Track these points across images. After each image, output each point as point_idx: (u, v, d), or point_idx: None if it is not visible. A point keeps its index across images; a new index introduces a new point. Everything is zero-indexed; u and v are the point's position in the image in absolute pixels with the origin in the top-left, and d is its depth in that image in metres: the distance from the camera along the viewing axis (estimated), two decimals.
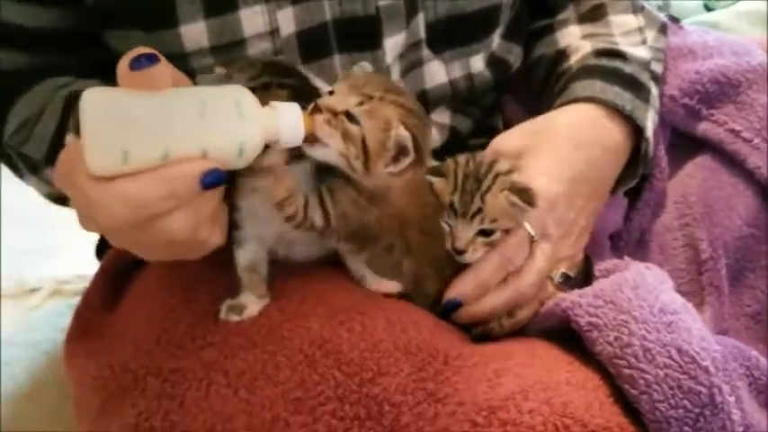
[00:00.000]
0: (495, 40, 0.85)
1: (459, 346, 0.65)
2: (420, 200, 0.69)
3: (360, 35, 0.75)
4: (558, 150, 0.75)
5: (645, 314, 0.63)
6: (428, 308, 0.71)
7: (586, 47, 0.84)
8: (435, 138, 0.86)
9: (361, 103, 0.63)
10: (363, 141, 0.63)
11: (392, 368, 0.62)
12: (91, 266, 0.96)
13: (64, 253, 1.43)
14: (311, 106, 0.63)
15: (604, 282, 0.68)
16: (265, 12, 0.72)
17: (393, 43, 0.77)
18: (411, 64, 0.81)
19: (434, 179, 0.69)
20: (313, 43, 0.74)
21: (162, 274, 0.76)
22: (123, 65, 0.55)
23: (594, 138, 0.77)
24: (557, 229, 0.73)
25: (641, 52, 0.84)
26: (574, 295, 0.68)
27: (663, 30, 0.90)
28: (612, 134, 0.78)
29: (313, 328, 0.64)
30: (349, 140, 0.63)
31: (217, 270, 0.71)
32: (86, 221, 0.58)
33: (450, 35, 0.81)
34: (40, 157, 0.74)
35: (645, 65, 0.84)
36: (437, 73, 0.82)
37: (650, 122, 0.80)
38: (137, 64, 0.54)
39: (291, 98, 0.62)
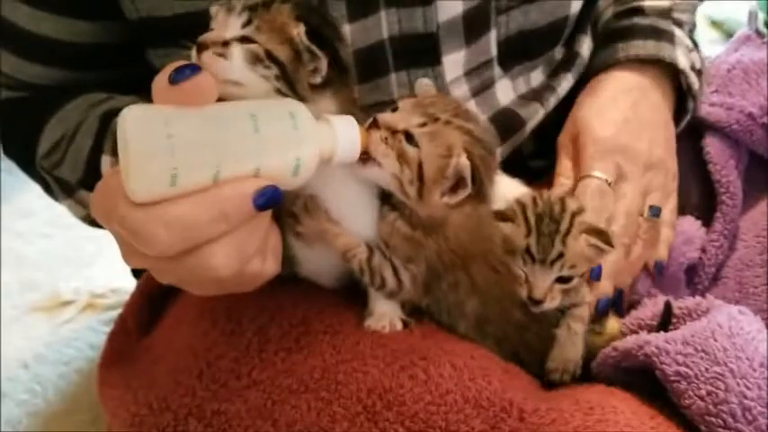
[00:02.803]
0: (559, 50, 0.82)
1: (534, 399, 0.59)
2: (483, 234, 0.63)
3: (419, 51, 0.71)
4: (601, 97, 0.77)
5: (744, 368, 0.57)
6: (492, 348, 0.65)
7: (608, 13, 0.85)
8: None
9: (423, 124, 0.58)
10: (420, 166, 0.58)
11: (462, 425, 0.56)
12: (127, 278, 0.92)
13: (100, 261, 1.39)
14: (369, 121, 0.58)
15: (695, 326, 0.62)
16: None
17: (453, 59, 0.73)
18: (482, 84, 0.77)
19: (501, 224, 0.63)
20: (370, 62, 0.70)
21: (203, 299, 0.70)
22: (161, 79, 0.49)
23: (633, 83, 0.78)
24: (632, 164, 0.72)
25: (660, 2, 0.84)
26: (660, 340, 0.61)
27: None
28: (647, 76, 0.79)
29: (371, 373, 0.59)
30: (404, 163, 0.58)
31: (262, 296, 0.65)
32: (129, 255, 0.53)
33: (520, 51, 0.77)
34: (75, 180, 0.71)
35: (664, 13, 0.83)
36: (506, 91, 0.78)
37: (682, 57, 0.80)
38: (179, 75, 0.49)
39: (295, 12, 0.56)
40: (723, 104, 0.84)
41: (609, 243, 0.62)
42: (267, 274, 0.58)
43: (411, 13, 0.69)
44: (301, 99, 0.56)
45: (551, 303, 0.63)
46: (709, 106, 0.85)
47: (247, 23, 0.55)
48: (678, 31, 0.82)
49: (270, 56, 0.55)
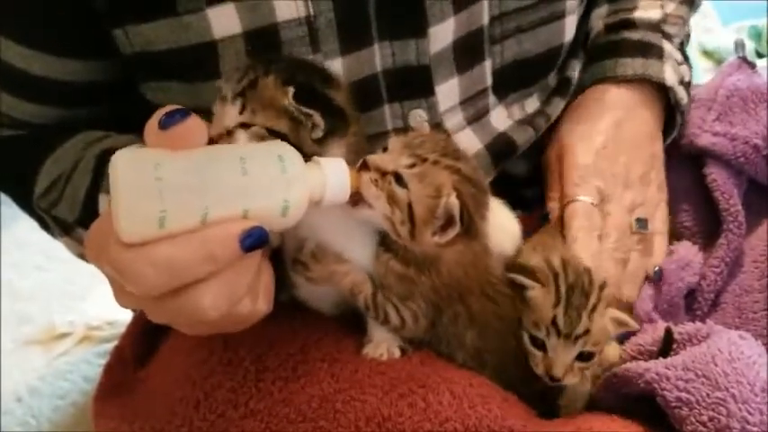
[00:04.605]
0: (553, 77, 0.82)
1: (534, 426, 0.59)
2: (478, 268, 0.62)
3: (412, 83, 0.71)
4: (586, 122, 0.79)
5: (745, 393, 0.57)
6: (491, 377, 0.65)
7: (599, 26, 0.86)
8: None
9: (412, 165, 0.59)
10: (410, 207, 0.58)
11: None
12: (123, 310, 0.91)
13: (96, 293, 1.38)
14: (359, 163, 0.58)
15: (695, 352, 0.61)
16: None
17: (447, 89, 0.73)
18: (477, 113, 0.77)
19: (529, 283, 0.63)
20: (362, 94, 0.69)
21: None
22: (152, 124, 0.50)
23: (619, 101, 0.80)
24: (613, 186, 0.75)
25: (651, 14, 0.84)
26: (660, 366, 0.61)
27: (688, 1, 0.88)
28: (636, 93, 0.81)
29: (370, 401, 0.58)
30: (395, 204, 0.58)
31: (259, 325, 0.64)
32: (121, 295, 0.53)
33: (515, 79, 0.77)
34: (72, 219, 0.70)
35: (654, 26, 0.84)
36: (501, 118, 0.78)
37: (669, 73, 0.81)
38: (169, 120, 0.49)
39: (279, 81, 0.57)
40: (727, 134, 0.83)
41: (636, 320, 0.62)
42: (259, 315, 0.57)
43: (404, 46, 0.69)
44: (311, 155, 0.56)
45: (570, 381, 0.62)
46: (712, 136, 0.83)
47: (243, 110, 0.56)
48: (668, 45, 0.83)
49: (272, 132, 0.56)
